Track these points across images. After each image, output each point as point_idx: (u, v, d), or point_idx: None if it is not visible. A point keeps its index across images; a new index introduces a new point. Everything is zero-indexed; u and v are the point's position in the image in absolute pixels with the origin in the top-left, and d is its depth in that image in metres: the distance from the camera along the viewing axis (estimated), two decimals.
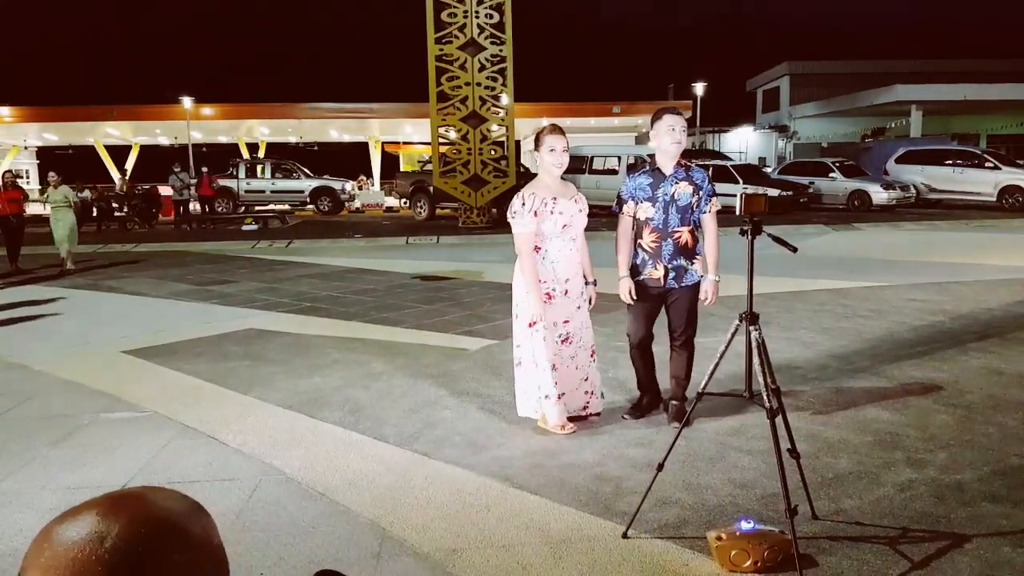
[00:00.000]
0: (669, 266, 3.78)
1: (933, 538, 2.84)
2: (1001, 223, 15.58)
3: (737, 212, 2.67)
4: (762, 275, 7.56)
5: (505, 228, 16.55)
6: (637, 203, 3.83)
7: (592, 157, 19.89)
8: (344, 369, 5.25)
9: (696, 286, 3.83)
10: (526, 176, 19.12)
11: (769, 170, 22.00)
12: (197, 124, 30.22)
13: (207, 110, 29.57)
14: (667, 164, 3.78)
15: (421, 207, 19.72)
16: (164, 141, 36.29)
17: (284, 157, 28.48)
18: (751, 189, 18.71)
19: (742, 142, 38.84)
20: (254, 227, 18.25)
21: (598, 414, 4.06)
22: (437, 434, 3.95)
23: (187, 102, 28.51)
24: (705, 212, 3.80)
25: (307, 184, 22.77)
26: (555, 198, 3.71)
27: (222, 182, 22.61)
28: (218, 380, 5.04)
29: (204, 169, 21.98)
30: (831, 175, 19.94)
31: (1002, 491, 3.20)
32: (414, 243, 14.46)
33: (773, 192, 18.29)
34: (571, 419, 3.97)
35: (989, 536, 2.84)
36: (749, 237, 2.71)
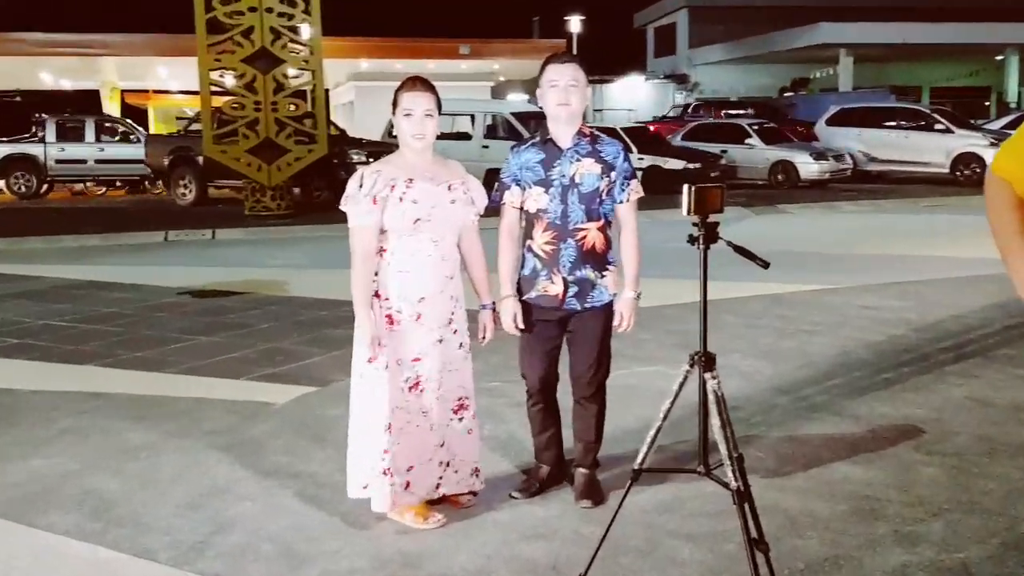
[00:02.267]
0: (570, 278, 3.74)
1: None
2: (957, 202, 17.06)
3: (684, 211, 2.61)
4: (674, 276, 7.73)
5: (314, 216, 16.35)
6: (524, 189, 3.76)
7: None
8: (80, 443, 4.93)
9: (608, 308, 3.81)
10: (341, 140, 18.90)
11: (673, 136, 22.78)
12: None
13: None
14: (562, 134, 3.74)
15: (186, 187, 18.98)
16: None
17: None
18: (648, 161, 19.36)
19: (630, 96, 40.41)
20: None
21: (474, 494, 3.93)
22: (234, 542, 3.72)
23: None
24: (621, 202, 3.76)
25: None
26: (411, 180, 3.57)
27: (19, 148, 21.64)
28: None
29: None
30: (748, 141, 21.07)
31: (1020, 571, 3.34)
32: (178, 240, 13.96)
33: (677, 164, 19.04)
34: (433, 503, 3.83)
35: None
36: (701, 246, 2.66)
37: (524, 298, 3.82)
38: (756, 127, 21.59)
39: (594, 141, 3.77)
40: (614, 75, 41.04)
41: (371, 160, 17.18)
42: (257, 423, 5.16)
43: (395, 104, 3.67)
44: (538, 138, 3.81)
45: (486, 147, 18.71)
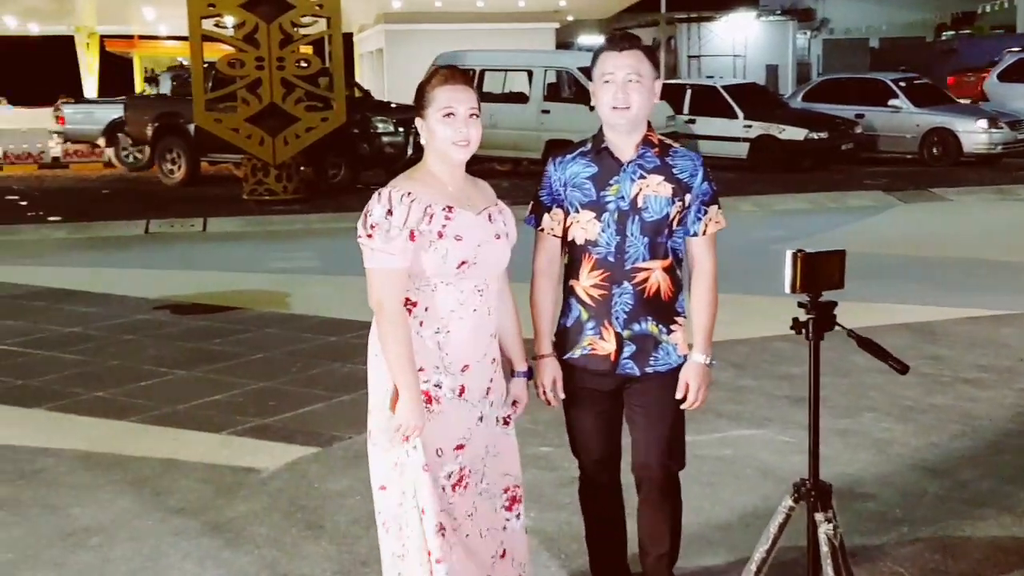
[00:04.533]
0: (625, 334, 3.63)
1: None
2: None
3: (786, 286, 2.45)
4: (776, 294, 7.60)
5: (328, 202, 16.30)
6: (568, 212, 3.67)
7: (481, 72, 19.73)
8: (16, 523, 4.92)
9: (677, 374, 3.68)
10: (363, 105, 18.89)
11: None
12: None
13: None
14: (622, 142, 3.64)
15: (173, 161, 19.22)
16: None
17: None
18: (758, 129, 19.01)
19: (737, 38, 39.96)
20: None
21: None
22: None
23: None
24: (694, 234, 3.64)
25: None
26: (449, 207, 3.42)
27: None
28: None
29: None
30: (893, 102, 20.58)
31: None
32: (160, 232, 14.07)
33: (796, 133, 18.76)
34: None
35: None
36: (810, 337, 2.50)
37: (565, 357, 3.71)
38: (903, 83, 21.10)
39: (664, 153, 3.64)
40: (716, 11, 40.59)
41: (401, 131, 17.18)
42: (237, 499, 5.12)
43: (424, 104, 3.48)
44: (589, 146, 3.68)
45: (546, 112, 18.60)
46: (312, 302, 9.44)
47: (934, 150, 19.89)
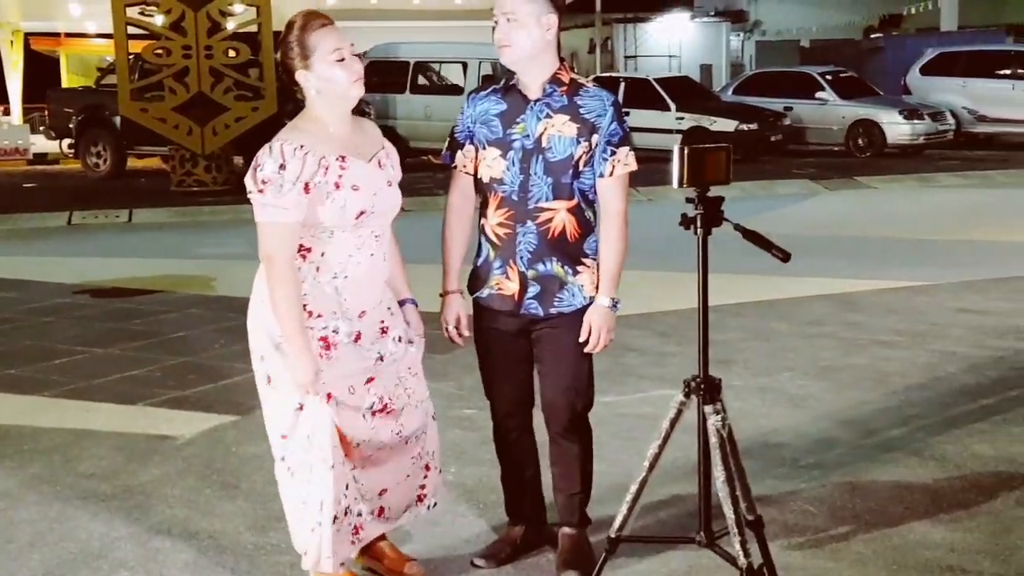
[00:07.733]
0: (529, 273, 3.64)
1: None
2: None
3: (675, 181, 2.44)
4: (715, 271, 7.66)
5: None
6: (479, 148, 3.68)
7: (417, 64, 19.68)
8: None
9: (582, 316, 3.66)
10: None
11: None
12: None
13: None
14: (530, 80, 3.62)
15: (99, 154, 19.06)
16: None
17: None
18: (690, 120, 19.21)
19: (672, 39, 40.23)
20: None
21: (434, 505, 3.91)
22: None
23: None
24: (602, 175, 3.61)
25: None
26: (342, 157, 3.39)
27: None
28: None
29: None
30: (819, 95, 21.06)
31: None
32: (84, 223, 14.03)
33: (727, 124, 18.96)
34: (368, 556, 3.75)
35: None
36: (699, 230, 2.50)
37: (475, 296, 3.74)
38: (830, 77, 21.58)
39: (574, 92, 3.60)
40: (652, 12, 40.87)
41: None
42: (150, 464, 5.06)
43: (307, 53, 3.42)
44: (502, 83, 3.68)
45: None
46: (239, 285, 9.14)
47: (859, 141, 20.38)
